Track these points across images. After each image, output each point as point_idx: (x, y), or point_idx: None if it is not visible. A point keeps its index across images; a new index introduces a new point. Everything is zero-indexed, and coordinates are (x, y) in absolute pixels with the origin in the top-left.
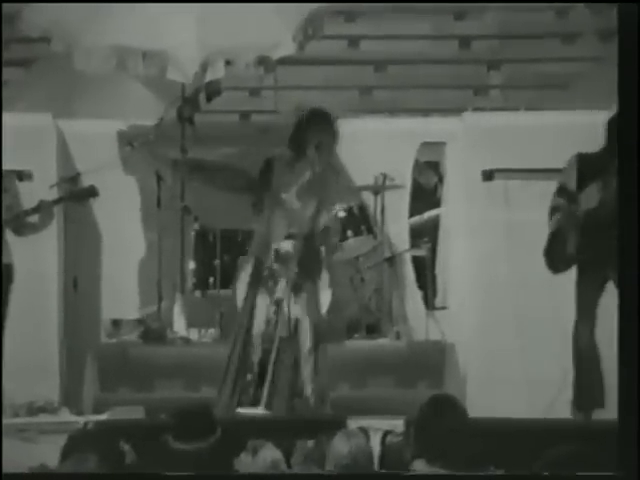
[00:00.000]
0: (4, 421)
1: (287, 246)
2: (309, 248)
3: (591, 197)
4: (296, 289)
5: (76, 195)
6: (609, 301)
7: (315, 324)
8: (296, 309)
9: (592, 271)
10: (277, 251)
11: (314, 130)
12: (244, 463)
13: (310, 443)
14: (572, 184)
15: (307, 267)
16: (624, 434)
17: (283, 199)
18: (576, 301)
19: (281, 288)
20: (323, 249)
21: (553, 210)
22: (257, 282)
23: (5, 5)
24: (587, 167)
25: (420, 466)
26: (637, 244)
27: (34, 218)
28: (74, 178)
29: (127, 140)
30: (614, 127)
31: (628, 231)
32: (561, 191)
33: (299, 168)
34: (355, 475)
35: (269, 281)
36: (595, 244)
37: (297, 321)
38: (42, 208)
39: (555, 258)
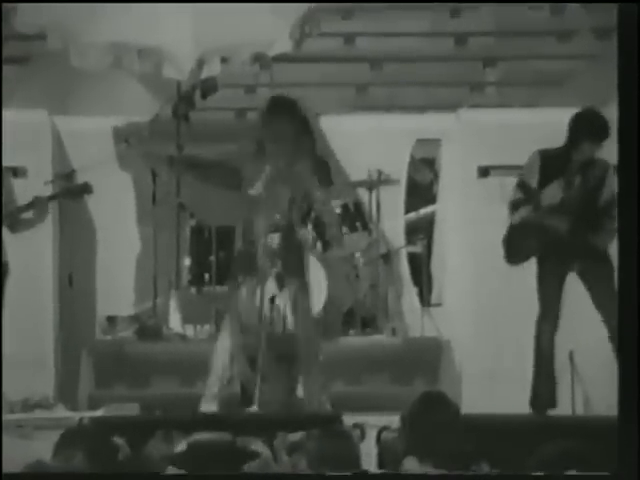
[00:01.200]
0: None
1: (274, 239)
2: (289, 242)
3: (553, 196)
4: (280, 284)
5: (71, 192)
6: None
7: (304, 321)
8: (286, 305)
9: (552, 265)
10: (265, 244)
11: (272, 121)
12: None
13: (292, 437)
14: (533, 181)
15: (288, 261)
16: (624, 434)
17: (250, 194)
18: (539, 296)
19: (270, 283)
20: (306, 243)
21: (514, 204)
22: (241, 275)
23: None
24: (549, 164)
25: (412, 462)
26: (637, 243)
27: (29, 214)
28: (69, 175)
29: (122, 137)
30: (577, 125)
31: (628, 230)
32: (521, 186)
33: (262, 162)
34: (354, 475)
35: (256, 276)
36: (556, 239)
37: (286, 318)
38: (37, 204)
39: (513, 251)
